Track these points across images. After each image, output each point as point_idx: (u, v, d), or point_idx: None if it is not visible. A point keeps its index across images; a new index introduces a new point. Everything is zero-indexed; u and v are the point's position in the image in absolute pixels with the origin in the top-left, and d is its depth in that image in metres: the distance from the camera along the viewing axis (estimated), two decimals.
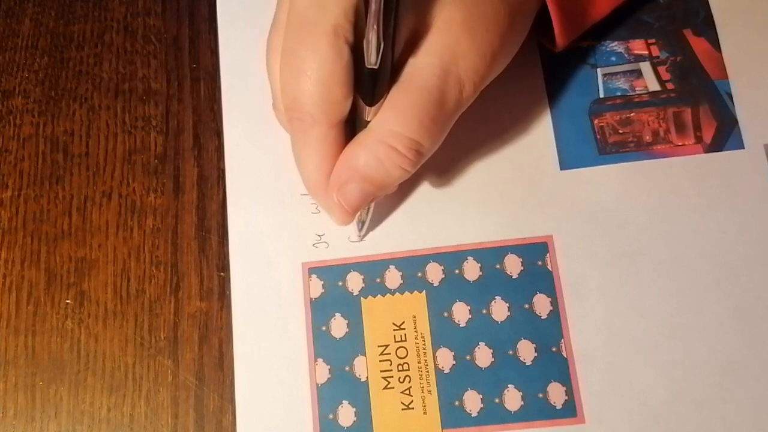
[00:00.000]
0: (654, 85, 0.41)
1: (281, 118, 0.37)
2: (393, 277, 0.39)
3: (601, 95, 0.41)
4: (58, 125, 0.44)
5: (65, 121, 0.44)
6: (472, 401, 0.38)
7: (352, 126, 0.35)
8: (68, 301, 0.40)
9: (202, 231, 0.41)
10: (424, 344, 0.38)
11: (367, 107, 0.34)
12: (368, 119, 0.34)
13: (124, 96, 0.44)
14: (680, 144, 0.40)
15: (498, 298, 0.39)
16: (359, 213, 0.38)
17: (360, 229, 0.40)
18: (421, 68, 0.33)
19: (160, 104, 0.44)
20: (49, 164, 0.43)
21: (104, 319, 0.40)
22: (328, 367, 0.38)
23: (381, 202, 0.40)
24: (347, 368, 0.38)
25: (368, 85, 0.33)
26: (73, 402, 0.39)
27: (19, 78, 0.44)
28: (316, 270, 0.40)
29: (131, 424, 0.39)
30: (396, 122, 0.33)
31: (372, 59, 0.31)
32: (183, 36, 0.45)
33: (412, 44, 0.33)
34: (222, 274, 0.40)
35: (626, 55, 0.42)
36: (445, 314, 0.39)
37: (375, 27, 0.29)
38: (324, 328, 0.39)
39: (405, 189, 0.41)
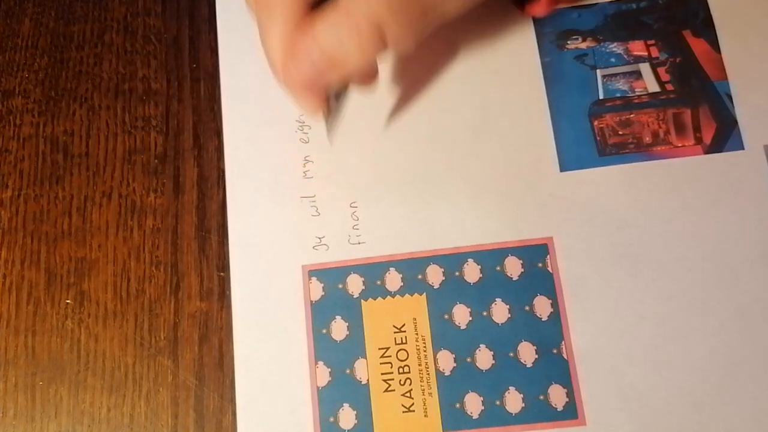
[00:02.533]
0: (653, 87, 0.41)
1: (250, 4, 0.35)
2: (393, 280, 0.39)
3: (601, 96, 0.41)
4: (58, 125, 0.43)
5: (65, 121, 0.43)
6: (473, 403, 0.37)
7: None
8: (68, 301, 0.40)
9: (202, 231, 0.40)
10: (424, 346, 0.38)
11: None
12: None
13: (124, 96, 0.43)
14: (680, 145, 0.40)
15: (498, 300, 0.38)
16: (329, 102, 0.36)
17: (327, 123, 0.38)
18: None
19: (160, 104, 0.43)
20: (49, 164, 0.42)
21: (104, 319, 0.39)
22: (329, 369, 0.38)
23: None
24: (348, 371, 0.38)
25: None
26: (73, 402, 0.38)
27: (19, 78, 0.44)
28: (316, 272, 0.39)
29: (131, 424, 0.38)
30: None
31: None
32: (183, 36, 0.44)
33: None
34: (222, 274, 0.39)
35: (625, 57, 0.41)
36: (446, 316, 0.38)
37: None
38: (324, 331, 0.38)
39: (405, 190, 0.40)
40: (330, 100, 0.36)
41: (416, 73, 0.39)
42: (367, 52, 0.32)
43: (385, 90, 0.41)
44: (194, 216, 0.41)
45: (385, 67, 0.41)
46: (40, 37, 0.45)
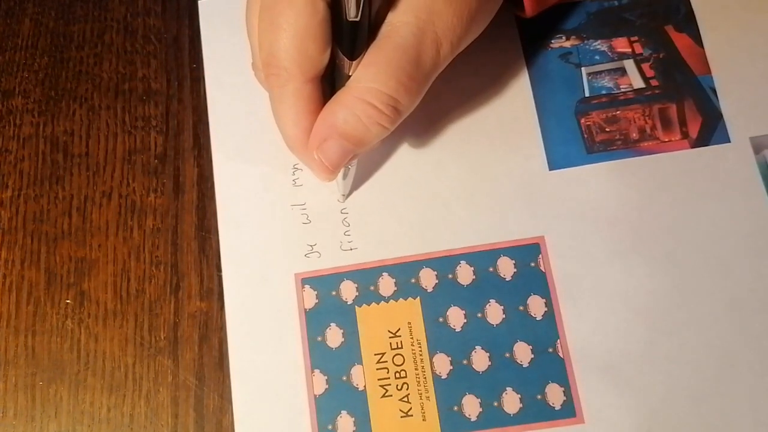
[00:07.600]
0: (638, 83, 0.35)
1: (260, 77, 0.32)
2: (386, 285, 0.33)
3: (587, 94, 0.35)
4: (58, 125, 0.37)
5: (65, 121, 0.37)
6: (471, 406, 0.32)
7: (331, 84, 0.31)
8: (68, 301, 0.34)
9: (202, 231, 0.34)
10: (420, 351, 0.32)
11: (348, 62, 0.29)
12: (350, 74, 0.29)
13: (124, 96, 0.37)
14: (667, 140, 0.35)
15: (492, 301, 0.33)
16: (342, 170, 0.33)
17: (342, 189, 0.34)
18: (399, 26, 0.28)
19: (160, 104, 0.37)
20: (49, 164, 0.36)
21: (104, 319, 0.34)
22: (326, 377, 0.33)
23: (364, 167, 0.34)
24: (344, 378, 0.33)
25: (349, 38, 0.28)
26: (73, 402, 0.33)
27: (19, 78, 0.38)
28: (309, 280, 0.33)
29: (131, 424, 0.32)
30: (374, 79, 0.29)
31: (352, 13, 0.27)
32: (183, 36, 0.38)
33: (390, 2, 0.29)
34: (222, 273, 0.32)
35: (609, 54, 0.36)
36: (440, 319, 0.33)
37: None
38: (320, 339, 0.33)
39: (395, 195, 0.35)
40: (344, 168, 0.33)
41: None
42: (386, 126, 0.30)
43: None
44: (194, 216, 0.34)
45: None
46: (40, 37, 0.38)
